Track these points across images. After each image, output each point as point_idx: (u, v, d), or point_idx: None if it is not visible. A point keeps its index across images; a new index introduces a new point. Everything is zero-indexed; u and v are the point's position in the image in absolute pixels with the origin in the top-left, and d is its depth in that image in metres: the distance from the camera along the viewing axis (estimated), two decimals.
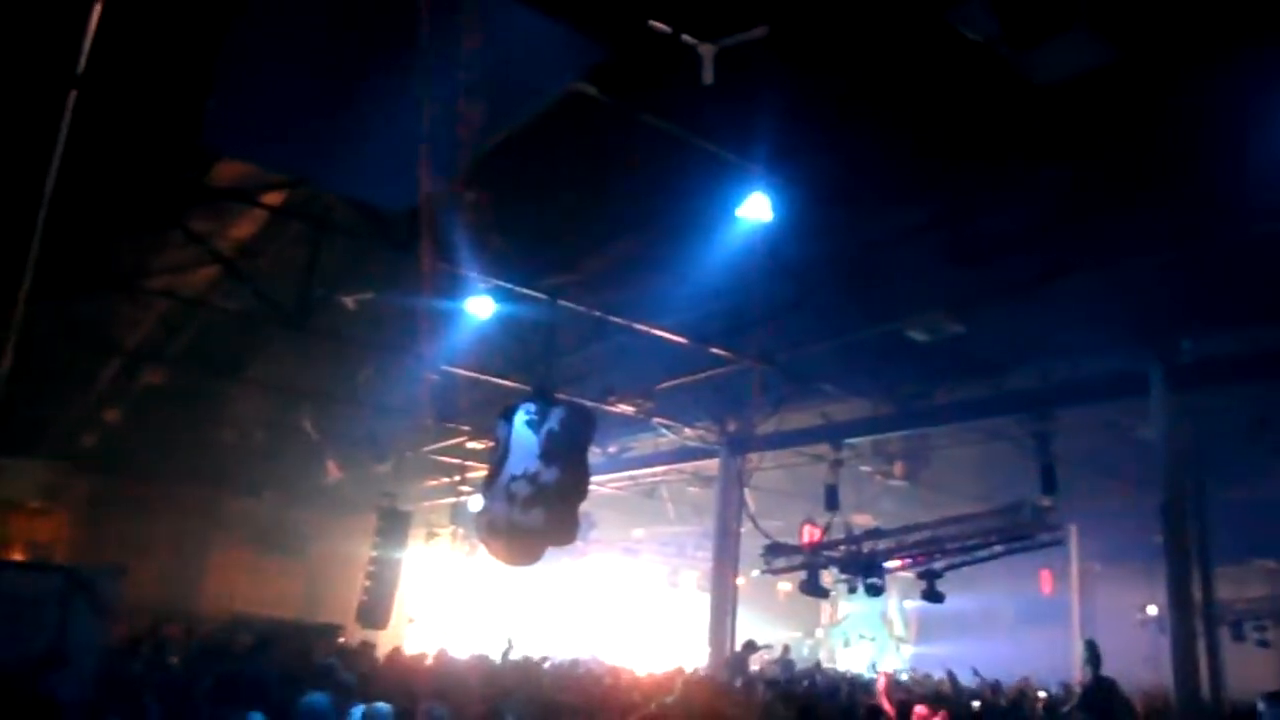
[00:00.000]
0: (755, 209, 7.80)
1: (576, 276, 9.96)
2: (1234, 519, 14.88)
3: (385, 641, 16.52)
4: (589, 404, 12.09)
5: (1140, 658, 17.89)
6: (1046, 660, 17.73)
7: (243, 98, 6.10)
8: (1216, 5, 5.46)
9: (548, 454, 9.62)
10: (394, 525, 18.76)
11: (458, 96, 5.48)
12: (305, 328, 10.68)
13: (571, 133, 6.88)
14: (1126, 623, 20.02)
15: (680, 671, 14.52)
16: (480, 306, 10.53)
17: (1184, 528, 10.70)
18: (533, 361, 10.89)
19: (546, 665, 13.66)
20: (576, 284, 10.07)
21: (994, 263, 8.44)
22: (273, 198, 9.29)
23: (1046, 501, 11.88)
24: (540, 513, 9.43)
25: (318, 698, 6.29)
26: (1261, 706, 8.69)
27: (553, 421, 9.73)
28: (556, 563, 23.43)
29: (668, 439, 16.10)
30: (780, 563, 14.54)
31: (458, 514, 20.42)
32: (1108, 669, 9.93)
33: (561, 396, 10.33)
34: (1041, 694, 13.25)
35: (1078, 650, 17.27)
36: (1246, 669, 16.91)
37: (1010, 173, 7.68)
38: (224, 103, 6.09)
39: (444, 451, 18.14)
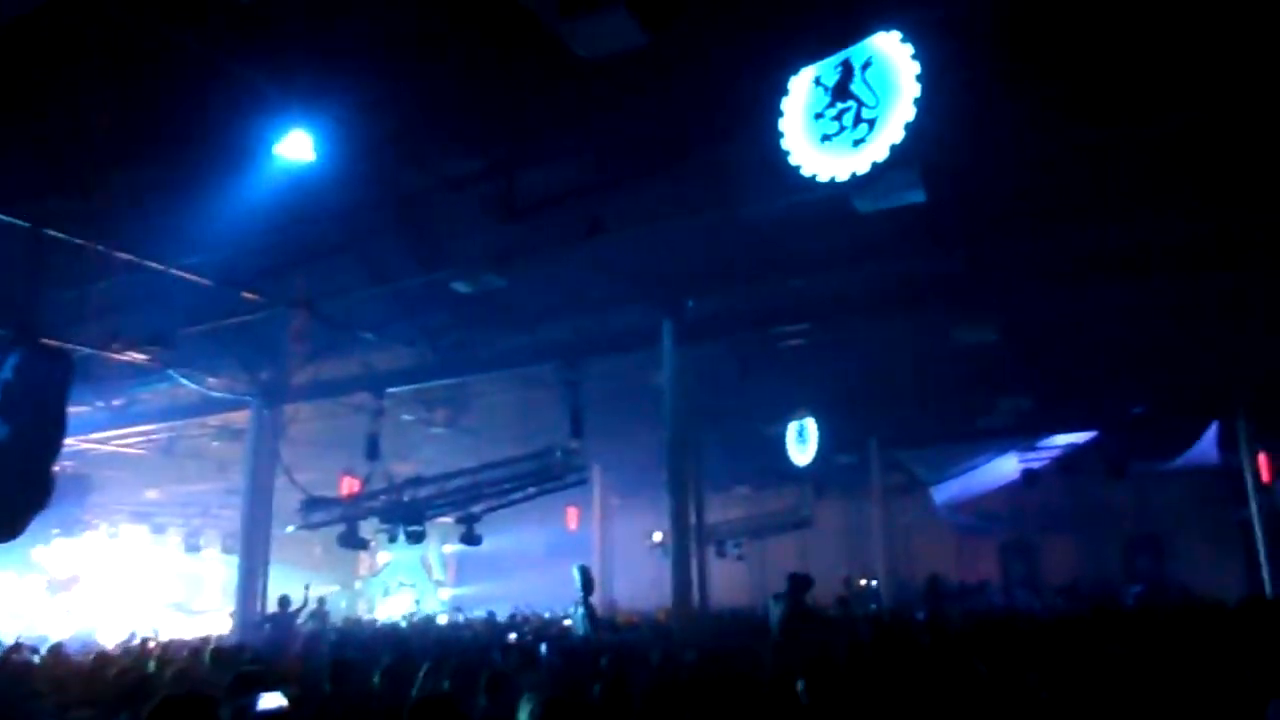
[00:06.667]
0: (295, 147, 7.25)
1: (76, 202, 8.45)
2: (722, 453, 17.49)
3: None
4: (81, 349, 10.42)
5: (648, 579, 20.42)
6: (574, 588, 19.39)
7: None
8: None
9: (3, 407, 8.08)
10: None
11: None
12: None
13: (80, 34, 5.78)
14: (638, 548, 22.65)
15: (205, 640, 13.42)
16: None
17: (684, 463, 12.29)
18: (10, 300, 9.06)
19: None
20: (75, 211, 8.55)
21: (534, 219, 8.82)
22: None
23: (575, 444, 12.88)
24: None
25: None
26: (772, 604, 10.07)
27: (6, 370, 8.19)
28: (48, 534, 20.30)
29: (188, 390, 14.54)
30: (318, 517, 14.07)
31: None
32: (626, 589, 11.12)
33: (50, 343, 8.76)
34: (567, 621, 14.47)
35: (599, 575, 19.05)
36: (727, 579, 20.17)
37: (555, 134, 8.06)
38: None
39: None
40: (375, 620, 20.29)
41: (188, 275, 9.94)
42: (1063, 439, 19.85)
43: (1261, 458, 17.63)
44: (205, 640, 13.25)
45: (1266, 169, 8.37)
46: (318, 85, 6.72)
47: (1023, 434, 19.49)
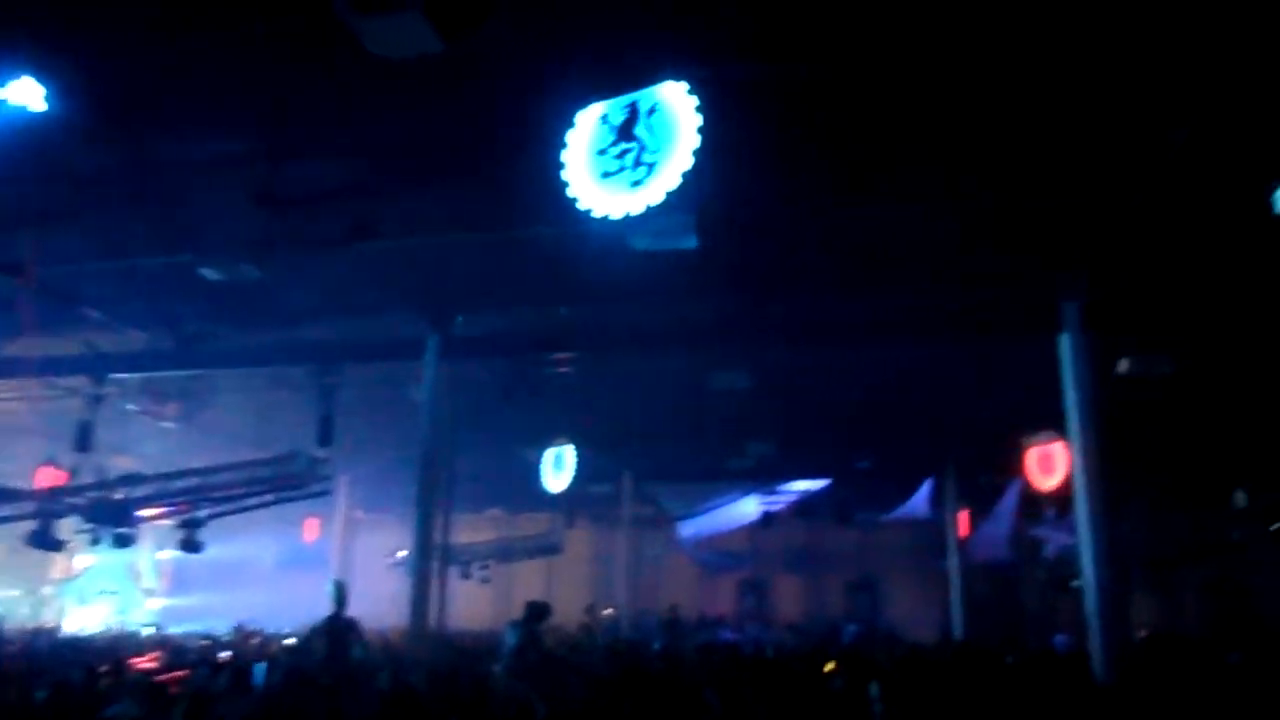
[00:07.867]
0: (23, 95, 6.39)
1: None
2: (477, 473, 17.21)
3: None
4: None
5: (388, 596, 19.63)
6: (307, 604, 18.36)
7: None
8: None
9: None
10: None
11: None
12: None
13: None
14: (380, 565, 21.80)
15: None
16: None
17: (436, 480, 11.97)
18: None
19: None
20: None
21: (300, 212, 8.33)
22: None
23: (322, 453, 12.21)
24: None
25: None
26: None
27: None
28: None
29: None
30: (3, 511, 12.43)
31: None
32: (362, 608, 10.59)
33: None
34: (290, 640, 13.62)
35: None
36: (471, 601, 19.81)
37: (330, 127, 7.64)
38: None
39: None
40: (60, 631, 18.09)
41: None
42: (800, 485, 21.24)
43: (962, 514, 19.78)
44: None
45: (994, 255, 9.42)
46: (56, 27, 5.98)
47: (765, 477, 20.67)
